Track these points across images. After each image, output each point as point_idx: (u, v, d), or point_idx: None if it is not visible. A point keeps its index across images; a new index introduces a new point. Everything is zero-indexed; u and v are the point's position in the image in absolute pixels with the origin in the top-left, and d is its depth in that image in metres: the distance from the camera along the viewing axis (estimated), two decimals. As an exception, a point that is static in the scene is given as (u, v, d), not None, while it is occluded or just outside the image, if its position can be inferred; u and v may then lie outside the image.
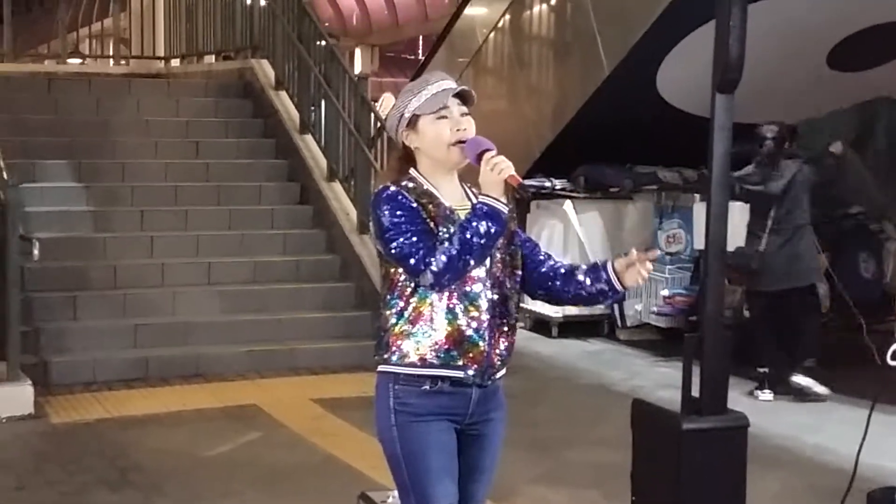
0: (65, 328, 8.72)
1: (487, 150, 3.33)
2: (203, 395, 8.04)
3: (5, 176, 7.90)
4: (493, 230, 3.27)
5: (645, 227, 10.63)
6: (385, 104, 13.77)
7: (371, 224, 3.41)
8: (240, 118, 11.83)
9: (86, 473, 6.27)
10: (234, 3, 12.90)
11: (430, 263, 3.25)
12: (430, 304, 3.35)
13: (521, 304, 10.91)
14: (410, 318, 3.36)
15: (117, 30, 17.96)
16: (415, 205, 3.34)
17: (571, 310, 10.51)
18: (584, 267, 3.56)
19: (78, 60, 16.87)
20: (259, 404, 7.79)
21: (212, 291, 9.49)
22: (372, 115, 10.38)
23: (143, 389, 8.17)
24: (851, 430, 4.41)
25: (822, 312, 9.02)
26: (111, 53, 17.92)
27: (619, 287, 3.48)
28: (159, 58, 15.08)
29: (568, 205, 10.46)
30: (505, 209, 3.30)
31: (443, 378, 3.37)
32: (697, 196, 9.78)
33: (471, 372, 3.38)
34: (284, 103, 11.55)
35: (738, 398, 6.75)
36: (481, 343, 3.37)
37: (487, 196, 3.29)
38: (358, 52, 35.29)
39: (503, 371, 3.51)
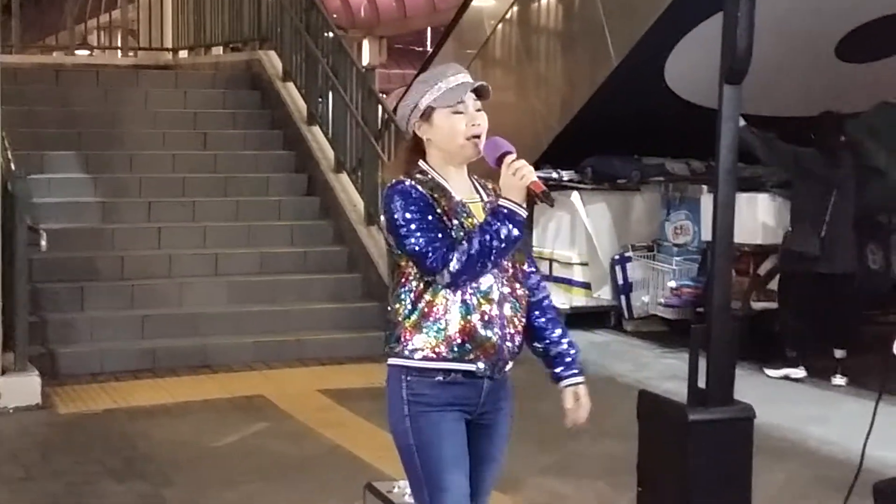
0: (72, 319, 8.73)
1: (507, 152, 3.32)
2: (210, 386, 8.05)
3: (13, 167, 7.91)
4: (512, 234, 3.27)
5: (652, 218, 10.61)
6: None
7: (382, 218, 3.39)
8: (247, 109, 11.83)
9: (93, 464, 6.28)
10: (242, -6, 12.90)
11: (447, 263, 3.24)
12: (444, 298, 3.34)
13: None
14: (423, 311, 3.35)
15: (125, 21, 17.98)
16: (429, 199, 3.33)
17: (578, 301, 10.52)
18: (552, 339, 3.59)
19: (86, 52, 16.85)
20: (266, 395, 7.79)
21: (219, 282, 9.49)
22: (379, 106, 10.38)
23: (150, 380, 8.18)
24: (858, 422, 4.40)
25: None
26: (119, 45, 17.91)
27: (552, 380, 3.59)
28: (167, 49, 15.07)
29: (575, 196, 10.45)
30: (524, 214, 3.29)
31: (456, 370, 3.38)
32: (705, 187, 9.76)
33: (482, 365, 3.38)
34: (292, 95, 11.56)
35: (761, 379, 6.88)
36: (494, 337, 3.37)
37: (508, 200, 3.28)
38: (366, 43, 35.30)
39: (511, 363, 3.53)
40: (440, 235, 3.29)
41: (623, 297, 10.38)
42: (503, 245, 3.26)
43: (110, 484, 5.95)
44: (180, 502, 5.70)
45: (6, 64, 9.03)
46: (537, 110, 11.19)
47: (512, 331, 3.43)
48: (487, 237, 3.25)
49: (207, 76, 12.81)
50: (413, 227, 3.29)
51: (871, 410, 4.23)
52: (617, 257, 10.41)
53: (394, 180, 3.38)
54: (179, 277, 9.42)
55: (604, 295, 10.53)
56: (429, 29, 34.35)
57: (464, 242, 3.26)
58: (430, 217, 3.31)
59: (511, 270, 3.43)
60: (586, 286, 10.51)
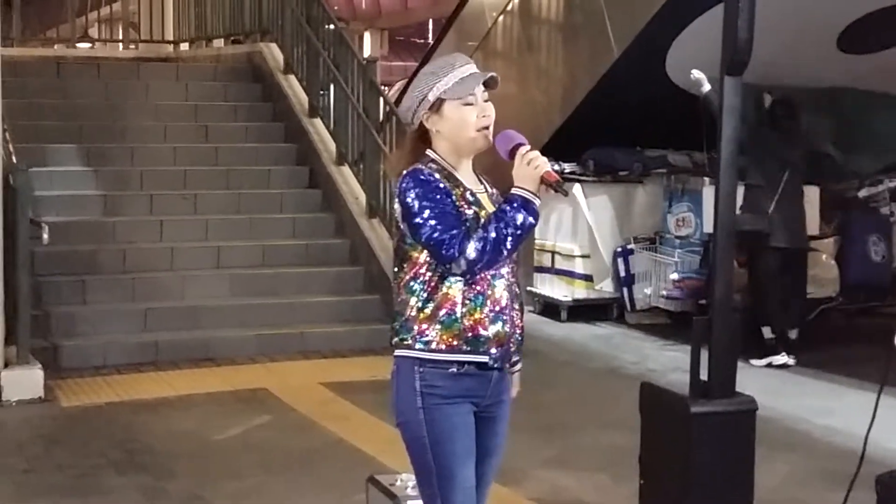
0: (74, 312, 8.74)
1: (521, 144, 3.34)
2: (213, 379, 8.06)
3: (15, 160, 7.91)
4: (528, 222, 3.27)
5: (654, 210, 10.60)
6: None
7: (397, 205, 3.36)
8: (249, 102, 11.84)
9: (95, 457, 6.29)
10: (243, -14, 12.89)
11: (464, 250, 3.24)
12: (457, 290, 3.34)
13: (531, 288, 10.98)
14: (437, 303, 3.35)
15: (126, 14, 17.96)
16: (444, 186, 3.33)
17: (580, 293, 10.52)
18: None
19: (87, 45, 16.86)
20: (269, 388, 7.80)
21: (221, 275, 9.50)
22: (381, 98, 10.38)
23: (152, 373, 8.18)
24: (861, 414, 4.40)
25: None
26: (120, 38, 17.90)
27: None
28: (168, 42, 15.08)
29: (577, 188, 10.44)
30: (538, 202, 3.30)
31: (469, 362, 3.38)
32: (707, 179, 9.75)
33: (495, 353, 3.39)
34: (293, 87, 11.55)
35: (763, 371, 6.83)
36: (505, 327, 3.40)
37: (522, 188, 3.29)
38: (367, 35, 35.22)
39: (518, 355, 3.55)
40: (456, 224, 3.29)
41: (625, 290, 10.39)
42: (519, 232, 3.27)
43: (113, 477, 5.96)
44: (183, 495, 5.70)
45: (7, 57, 9.00)
46: (539, 102, 11.17)
47: (518, 322, 3.47)
48: (503, 224, 3.25)
49: (209, 69, 12.80)
50: (428, 213, 3.28)
51: (873, 402, 4.23)
52: (619, 249, 10.40)
53: (410, 168, 3.37)
54: (181, 270, 9.43)
55: (606, 287, 10.52)
56: (430, 21, 34.27)
57: (479, 230, 3.27)
58: (446, 205, 3.31)
59: (510, 262, 3.45)
60: (588, 278, 10.50)
